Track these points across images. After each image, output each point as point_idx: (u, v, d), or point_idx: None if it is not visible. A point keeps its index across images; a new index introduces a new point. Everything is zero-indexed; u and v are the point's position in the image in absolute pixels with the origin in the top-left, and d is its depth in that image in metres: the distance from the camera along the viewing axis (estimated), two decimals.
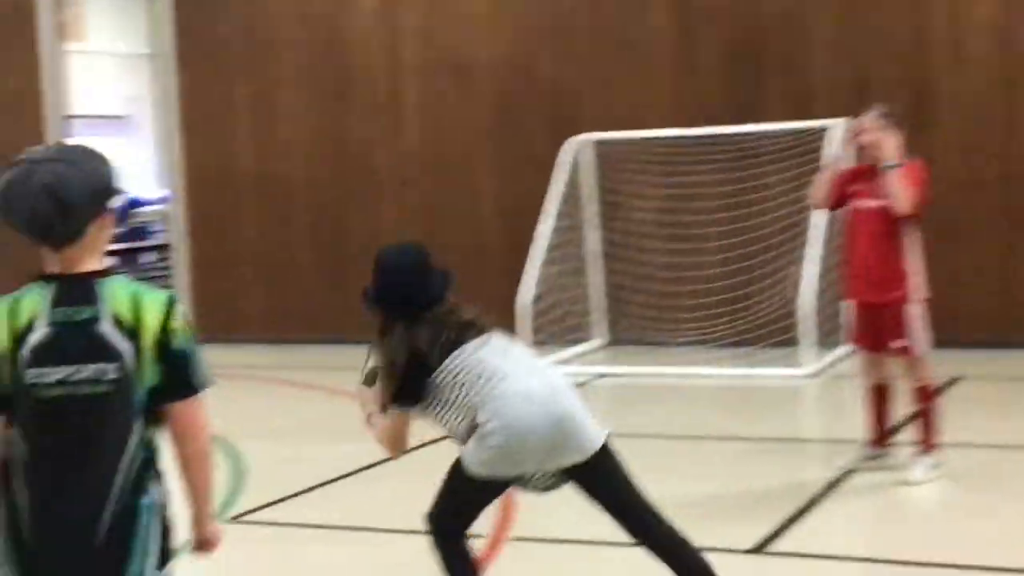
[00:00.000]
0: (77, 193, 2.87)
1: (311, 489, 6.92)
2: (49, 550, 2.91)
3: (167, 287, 15.70)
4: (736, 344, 10.60)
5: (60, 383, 2.88)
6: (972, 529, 5.83)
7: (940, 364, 8.70)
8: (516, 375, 4.27)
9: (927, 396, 6.60)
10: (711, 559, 4.32)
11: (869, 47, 10.59)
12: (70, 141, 3.13)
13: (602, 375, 10.17)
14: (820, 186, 6.79)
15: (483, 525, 5.69)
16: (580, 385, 9.69)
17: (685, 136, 10.83)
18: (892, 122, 6.48)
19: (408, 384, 4.33)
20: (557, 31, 11.52)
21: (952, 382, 9.02)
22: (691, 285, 10.90)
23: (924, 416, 6.61)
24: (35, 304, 2.93)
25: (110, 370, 2.89)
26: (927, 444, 6.59)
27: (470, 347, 4.31)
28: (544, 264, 10.87)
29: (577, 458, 4.24)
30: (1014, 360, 9.91)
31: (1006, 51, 10.30)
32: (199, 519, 3.12)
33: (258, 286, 12.88)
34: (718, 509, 6.27)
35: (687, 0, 11.11)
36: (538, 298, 10.80)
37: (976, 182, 10.38)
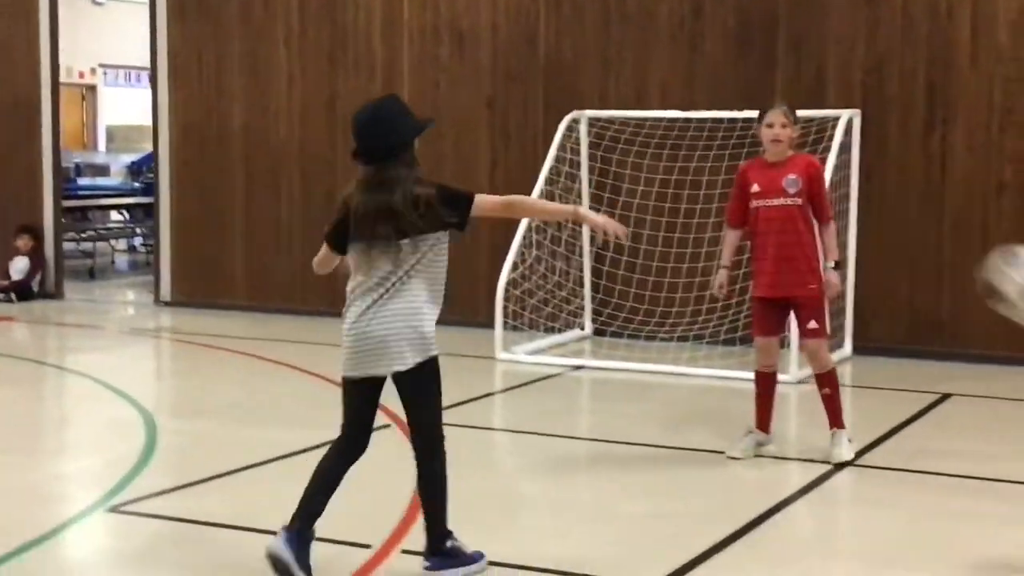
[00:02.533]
0: None
1: (214, 478, 6.50)
2: None
3: (149, 245, 15.51)
4: (729, 342, 10.11)
5: None
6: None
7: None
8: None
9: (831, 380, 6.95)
10: None
11: (887, 32, 9.96)
12: None
13: (578, 367, 9.67)
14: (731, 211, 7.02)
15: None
16: (553, 377, 9.30)
17: (687, 118, 10.33)
18: (794, 117, 6.81)
19: (332, 228, 5.00)
20: (562, 1, 10.99)
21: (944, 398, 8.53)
22: (686, 277, 10.39)
23: (832, 399, 6.92)
24: None
25: None
26: (841, 423, 6.90)
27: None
28: (530, 245, 10.44)
29: (381, 372, 4.90)
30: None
31: None
32: None
33: (243, 251, 12.51)
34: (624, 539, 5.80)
35: None
36: (520, 280, 10.38)
37: (997, 184, 9.76)
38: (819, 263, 6.81)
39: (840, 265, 6.95)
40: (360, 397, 5.01)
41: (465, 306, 11.24)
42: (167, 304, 12.69)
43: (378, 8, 11.71)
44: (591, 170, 10.77)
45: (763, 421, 6.98)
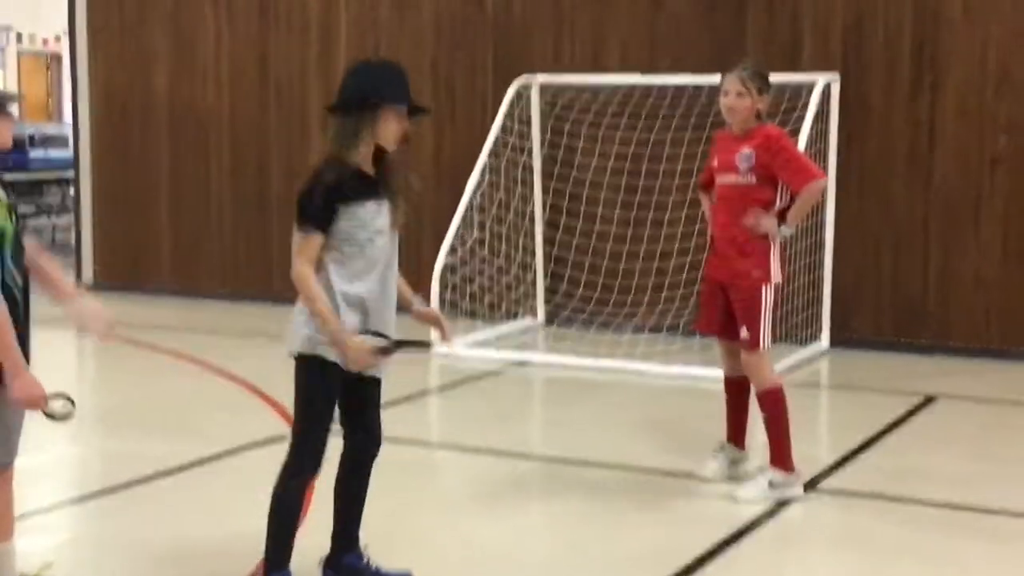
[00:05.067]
0: None
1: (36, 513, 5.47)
2: None
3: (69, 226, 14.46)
4: (692, 333, 9.06)
5: None
6: None
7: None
8: None
9: (764, 403, 5.69)
10: None
11: None
12: None
13: (521, 363, 8.63)
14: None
15: None
16: (493, 375, 8.28)
17: (649, 84, 9.26)
18: (759, 85, 5.65)
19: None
20: None
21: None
22: (644, 260, 9.34)
23: (767, 426, 5.71)
24: None
25: None
26: (773, 460, 5.67)
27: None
28: (471, 226, 9.39)
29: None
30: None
31: None
32: (7, 376, 3.77)
33: (169, 229, 11.47)
34: None
35: None
36: (463, 263, 9.35)
37: (991, 156, 8.70)
38: (765, 255, 5.63)
39: (783, 220, 5.60)
40: None
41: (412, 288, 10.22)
42: (89, 288, 11.65)
43: None
44: (542, 141, 9.71)
45: (734, 433, 5.93)
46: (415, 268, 10.15)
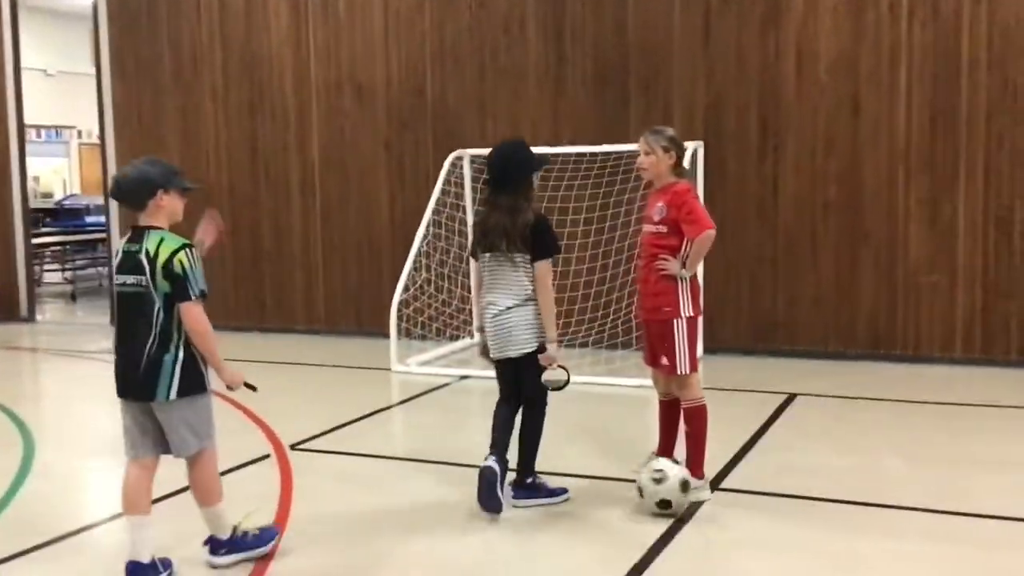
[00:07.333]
0: (126, 185, 3.64)
1: (55, 540, 4.16)
2: (120, 377, 3.67)
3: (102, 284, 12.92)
4: (597, 347, 7.99)
5: (122, 284, 3.63)
6: None
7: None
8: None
9: (688, 417, 4.58)
10: None
11: (723, 72, 7.87)
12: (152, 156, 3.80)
13: (464, 377, 7.44)
14: None
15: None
16: (442, 387, 7.09)
17: (555, 153, 8.15)
18: (664, 144, 4.50)
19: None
20: (444, 56, 8.76)
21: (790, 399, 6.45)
22: (559, 292, 8.19)
23: (687, 438, 4.58)
24: (123, 242, 3.72)
25: (142, 280, 3.57)
26: (689, 467, 4.51)
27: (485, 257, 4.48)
28: (419, 269, 8.21)
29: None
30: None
31: (850, 77, 7.59)
32: (216, 372, 3.68)
33: None
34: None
35: (559, 29, 8.36)
36: (414, 298, 8.15)
37: (823, 202, 7.71)
38: (673, 293, 4.52)
39: (687, 267, 4.52)
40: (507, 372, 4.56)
41: (375, 320, 8.99)
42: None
43: (289, 67, 9.38)
44: (474, 201, 8.54)
45: (665, 447, 4.77)
46: (378, 303, 9.01)
